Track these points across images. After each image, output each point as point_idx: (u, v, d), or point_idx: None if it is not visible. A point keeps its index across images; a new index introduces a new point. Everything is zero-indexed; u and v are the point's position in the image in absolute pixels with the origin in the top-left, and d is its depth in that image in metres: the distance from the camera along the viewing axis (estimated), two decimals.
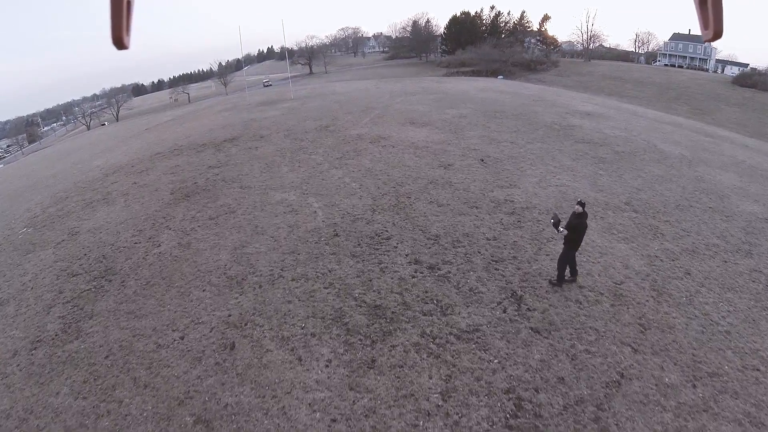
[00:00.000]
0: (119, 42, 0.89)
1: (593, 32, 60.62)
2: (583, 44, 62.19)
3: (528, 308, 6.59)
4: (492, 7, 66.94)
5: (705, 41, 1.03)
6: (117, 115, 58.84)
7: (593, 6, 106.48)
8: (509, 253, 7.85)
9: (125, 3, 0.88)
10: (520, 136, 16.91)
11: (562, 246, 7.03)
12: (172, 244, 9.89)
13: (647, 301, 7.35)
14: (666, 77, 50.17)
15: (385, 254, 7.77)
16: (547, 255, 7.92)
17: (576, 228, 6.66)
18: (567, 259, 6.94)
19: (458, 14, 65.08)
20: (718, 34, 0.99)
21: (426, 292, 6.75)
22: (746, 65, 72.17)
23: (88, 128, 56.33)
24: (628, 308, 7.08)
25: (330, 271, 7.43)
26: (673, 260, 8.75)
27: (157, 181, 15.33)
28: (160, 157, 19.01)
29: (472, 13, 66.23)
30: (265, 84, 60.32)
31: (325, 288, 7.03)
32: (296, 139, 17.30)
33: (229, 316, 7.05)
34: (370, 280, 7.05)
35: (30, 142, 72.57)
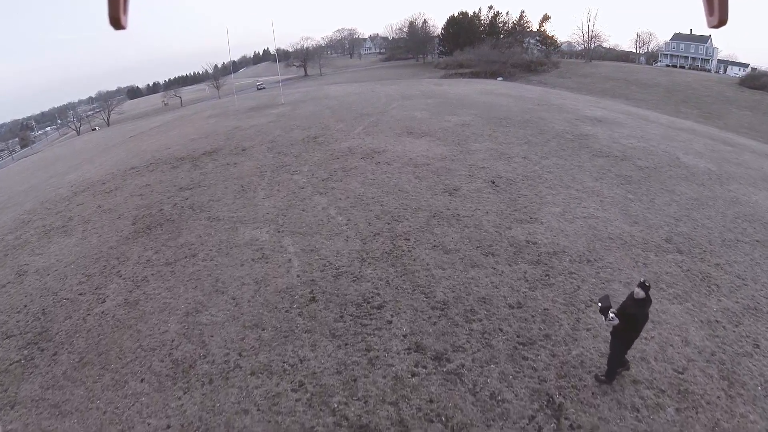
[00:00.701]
0: (116, 22, 0.82)
1: (594, 32, 58.57)
2: (583, 44, 60.13)
3: (571, 425, 4.70)
4: (490, 7, 64.85)
5: (710, 27, 0.99)
6: (108, 120, 56.59)
7: (594, 5, 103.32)
8: (539, 329, 5.95)
9: None
10: (532, 148, 14.98)
11: (610, 336, 5.15)
12: (118, 301, 7.98)
13: (718, 398, 5.48)
14: (670, 78, 48.22)
15: (375, 334, 5.86)
16: (588, 330, 6.02)
17: (633, 319, 4.78)
18: (620, 356, 5.07)
19: (456, 14, 62.97)
20: (723, 21, 0.95)
21: (431, 401, 4.85)
22: (747, 65, 70.53)
23: (78, 133, 54.17)
24: (697, 413, 5.21)
25: (301, 362, 5.51)
26: (736, 326, 6.89)
27: (123, 204, 13.39)
28: (134, 172, 17.08)
29: (470, 13, 64.14)
30: (259, 87, 58.17)
31: (293, 390, 5.12)
32: (280, 152, 15.34)
33: (168, 427, 5.16)
34: (355, 380, 5.14)
35: (23, 147, 70.46)
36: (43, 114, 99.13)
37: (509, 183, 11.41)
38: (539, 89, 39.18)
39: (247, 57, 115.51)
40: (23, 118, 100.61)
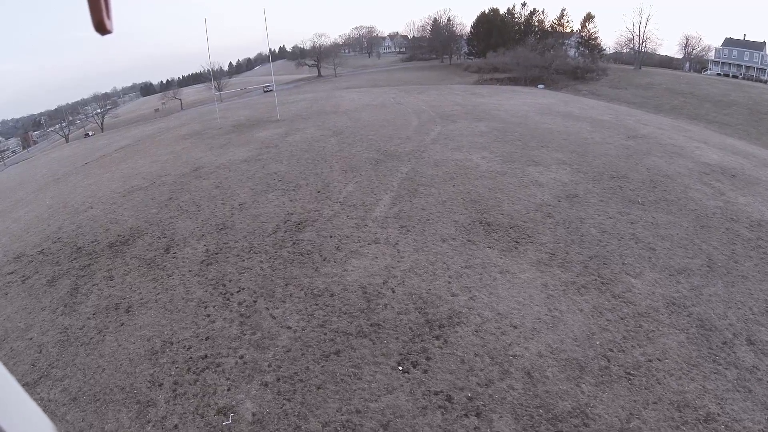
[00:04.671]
0: (101, 26, 0.71)
1: (646, 35, 47.89)
2: (633, 49, 49.52)
3: None
4: (524, 4, 54.38)
5: None
6: (102, 125, 48.28)
7: (648, 4, 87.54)
8: None
9: None
10: (751, 307, 5.94)
11: None
12: None
13: None
14: (745, 94, 37.81)
15: None
16: None
17: None
18: None
19: (487, 11, 52.71)
20: None
21: None
22: None
23: (67, 140, 46.00)
24: None
25: None
26: None
27: None
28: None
29: (503, 10, 53.73)
30: (266, 89, 49.20)
31: None
32: (217, 283, 6.40)
33: None
34: None
35: (24, 147, 62.96)
36: (57, 110, 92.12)
37: None
38: (602, 105, 29.50)
39: (263, 54, 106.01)
40: (38, 114, 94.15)
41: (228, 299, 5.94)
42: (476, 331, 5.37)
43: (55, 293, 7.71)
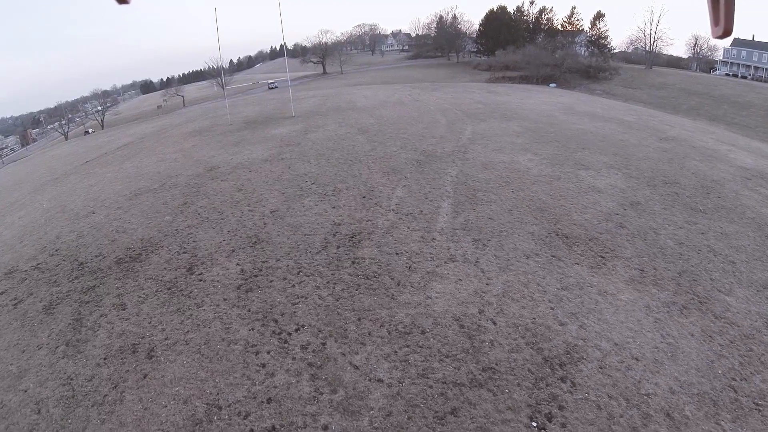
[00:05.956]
0: None
1: (658, 35, 46.63)
2: (643, 48, 48.28)
3: None
4: (532, 2, 52.95)
5: (715, 38, 0.88)
6: (102, 122, 46.50)
7: (660, 4, 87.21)
8: None
9: None
10: None
11: None
12: None
13: None
14: (760, 95, 36.69)
15: None
16: None
17: None
18: None
19: (495, 9, 51.29)
20: (728, 32, 0.86)
21: None
22: None
23: (66, 138, 44.22)
24: None
25: None
26: None
27: None
28: None
29: (511, 8, 52.33)
30: (271, 86, 47.61)
31: None
32: (268, 322, 5.17)
33: None
34: None
35: (23, 145, 61.08)
36: (56, 108, 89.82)
37: None
38: (621, 105, 28.21)
39: (264, 52, 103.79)
40: (37, 111, 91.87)
41: (285, 341, 4.56)
42: (600, 368, 4.32)
43: (54, 325, 6.31)
